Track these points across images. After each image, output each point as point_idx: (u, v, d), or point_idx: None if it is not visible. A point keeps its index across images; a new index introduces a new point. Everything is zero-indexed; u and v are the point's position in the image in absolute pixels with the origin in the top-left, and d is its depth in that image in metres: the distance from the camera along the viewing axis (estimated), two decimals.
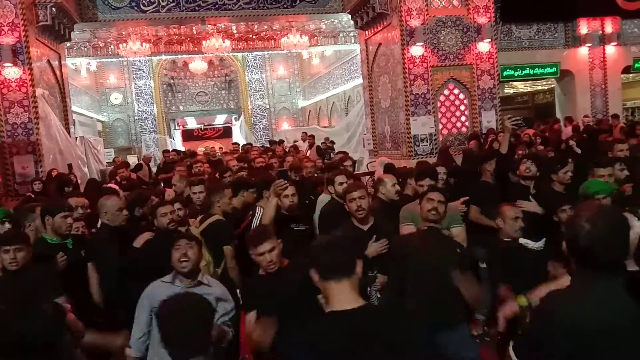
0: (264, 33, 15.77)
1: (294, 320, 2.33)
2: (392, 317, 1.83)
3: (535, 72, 12.88)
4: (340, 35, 16.07)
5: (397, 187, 4.48)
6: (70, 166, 9.80)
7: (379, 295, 3.57)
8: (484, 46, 10.55)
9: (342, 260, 1.85)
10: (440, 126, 10.56)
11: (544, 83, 15.59)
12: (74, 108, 12.66)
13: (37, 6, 9.40)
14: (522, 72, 12.88)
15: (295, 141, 14.32)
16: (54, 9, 9.52)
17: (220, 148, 15.58)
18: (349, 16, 12.09)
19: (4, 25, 8.84)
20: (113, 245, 3.86)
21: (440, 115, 10.55)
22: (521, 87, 17.04)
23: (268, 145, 15.33)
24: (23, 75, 8.99)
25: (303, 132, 15.31)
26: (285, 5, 11.63)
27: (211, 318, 1.92)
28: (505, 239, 3.51)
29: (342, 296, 1.81)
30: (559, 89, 13.73)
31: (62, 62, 11.06)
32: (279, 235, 3.08)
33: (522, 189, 4.59)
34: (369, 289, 3.57)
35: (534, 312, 1.72)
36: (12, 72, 8.93)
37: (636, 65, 13.20)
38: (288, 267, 2.96)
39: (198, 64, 19.86)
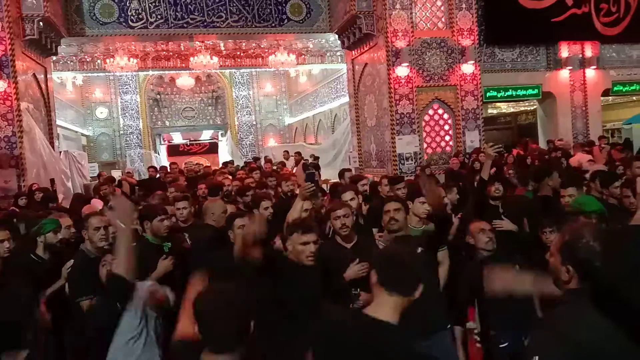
0: (252, 51, 15.90)
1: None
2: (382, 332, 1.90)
3: (517, 93, 13.14)
4: (327, 54, 16.28)
5: (427, 207, 4.54)
6: (52, 181, 9.69)
7: None
8: (467, 68, 10.77)
9: (409, 279, 1.95)
10: (425, 145, 10.70)
11: (527, 104, 15.90)
12: (58, 122, 12.57)
13: (24, 20, 9.38)
14: (505, 94, 13.13)
15: (286, 158, 14.28)
16: (41, 23, 9.51)
17: (198, 164, 15.37)
18: (336, 36, 12.26)
19: None
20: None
21: (424, 134, 10.70)
22: (504, 107, 17.37)
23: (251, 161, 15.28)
24: (8, 89, 8.95)
25: (285, 151, 15.28)
26: (273, 24, 11.76)
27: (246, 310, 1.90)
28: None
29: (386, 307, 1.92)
30: (541, 110, 14.01)
31: (48, 76, 11.01)
32: None
33: (494, 210, 4.69)
34: (352, 306, 3.58)
35: (537, 332, 1.74)
36: None
37: (615, 88, 13.55)
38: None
39: (185, 80, 19.86)
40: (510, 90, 13.03)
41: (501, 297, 2.93)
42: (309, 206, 4.21)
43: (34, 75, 10.18)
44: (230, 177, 8.80)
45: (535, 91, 13.11)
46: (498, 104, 16.14)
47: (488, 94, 12.60)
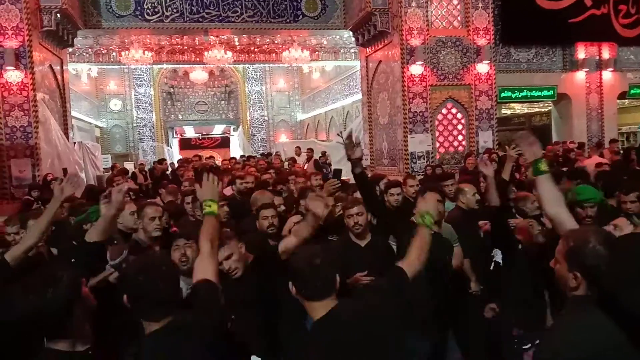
0: (266, 46, 15.90)
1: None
2: (363, 312, 1.94)
3: (532, 94, 13.03)
4: (341, 51, 16.23)
5: (477, 197, 4.53)
6: (65, 170, 9.78)
7: None
8: (482, 67, 10.69)
9: (325, 285, 1.94)
10: (437, 144, 10.65)
11: (541, 105, 15.76)
12: (73, 113, 12.68)
13: (42, 11, 9.46)
14: (519, 94, 13.03)
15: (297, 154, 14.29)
16: (58, 14, 9.59)
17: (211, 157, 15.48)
18: (351, 33, 12.23)
19: (8, 29, 8.90)
20: None
21: (437, 133, 10.65)
22: (518, 108, 17.22)
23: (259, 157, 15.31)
24: (24, 79, 9.03)
25: (297, 147, 15.31)
26: (288, 20, 11.76)
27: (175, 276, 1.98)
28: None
29: (321, 309, 1.92)
30: (556, 111, 13.88)
31: (64, 67, 11.10)
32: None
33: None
34: None
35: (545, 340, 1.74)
36: (14, 75, 8.96)
37: (632, 91, 13.38)
38: None
39: (199, 74, 19.98)
40: (525, 91, 12.92)
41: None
42: (332, 202, 4.21)
43: (50, 66, 10.27)
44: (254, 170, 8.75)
45: (551, 92, 12.99)
46: (512, 105, 16.01)
47: (502, 94, 12.51)
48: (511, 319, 3.53)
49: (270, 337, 3.10)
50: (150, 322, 1.86)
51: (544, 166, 2.53)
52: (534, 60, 12.81)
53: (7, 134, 8.99)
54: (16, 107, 9.03)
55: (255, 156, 14.67)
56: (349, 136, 3.38)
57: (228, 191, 6.11)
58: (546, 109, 15.61)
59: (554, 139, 13.74)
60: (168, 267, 1.94)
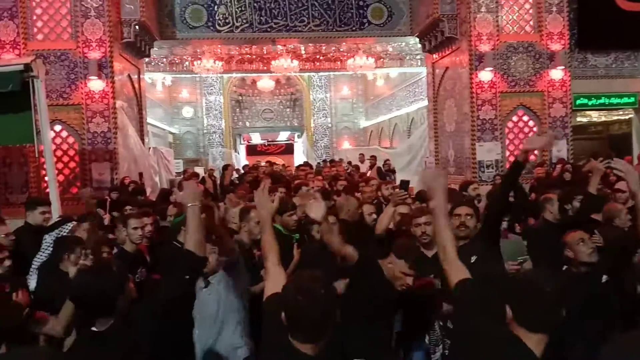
0: (331, 54, 16.05)
1: None
2: None
3: (611, 101, 12.33)
4: (407, 57, 16.08)
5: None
6: (141, 175, 10.31)
7: (441, 323, 3.44)
8: (556, 73, 10.25)
9: (549, 319, 1.82)
10: (507, 153, 10.30)
11: (621, 113, 14.85)
12: (148, 120, 13.34)
13: (122, 24, 10.07)
14: (596, 102, 12.36)
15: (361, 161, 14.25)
16: (137, 27, 10.16)
17: (284, 165, 15.84)
18: (417, 39, 12.11)
19: (92, 42, 9.52)
20: None
21: (507, 141, 10.30)
22: (595, 116, 16.30)
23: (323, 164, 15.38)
24: (106, 88, 9.60)
25: (360, 154, 15.31)
26: (354, 28, 11.82)
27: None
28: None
29: (539, 344, 1.80)
30: (637, 120, 13.05)
31: (141, 77, 11.72)
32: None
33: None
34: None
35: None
36: (97, 84, 9.56)
37: None
38: None
39: (266, 82, 20.46)
40: (602, 98, 12.24)
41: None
42: (403, 211, 4.20)
43: (129, 75, 10.88)
44: (320, 178, 8.84)
45: (632, 99, 12.24)
46: (588, 113, 15.18)
47: (578, 102, 11.91)
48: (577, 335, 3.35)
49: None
50: (303, 344, 1.82)
51: None
52: (614, 66, 12.10)
53: (89, 139, 9.59)
54: (97, 114, 9.61)
55: (331, 162, 14.73)
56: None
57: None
58: (626, 117, 14.69)
59: (635, 148, 12.91)
60: (326, 290, 1.85)
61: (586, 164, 8.61)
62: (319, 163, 16.44)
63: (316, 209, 2.80)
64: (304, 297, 1.75)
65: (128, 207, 5.59)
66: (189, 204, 2.58)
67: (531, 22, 10.27)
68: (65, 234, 4.06)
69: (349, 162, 13.70)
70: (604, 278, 3.26)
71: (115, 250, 4.12)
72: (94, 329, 2.13)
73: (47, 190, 6.53)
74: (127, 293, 2.26)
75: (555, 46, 10.22)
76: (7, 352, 1.54)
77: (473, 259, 3.11)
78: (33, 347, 1.52)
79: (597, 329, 3.09)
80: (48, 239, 4.03)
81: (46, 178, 6.78)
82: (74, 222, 4.25)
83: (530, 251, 4.13)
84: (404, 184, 4.20)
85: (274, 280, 2.19)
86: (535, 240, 4.15)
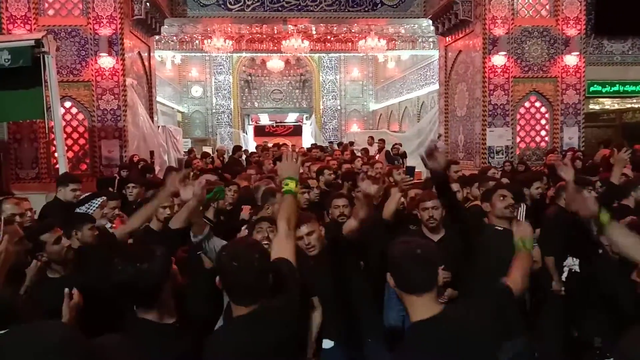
0: (342, 35, 15.88)
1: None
2: (468, 323, 1.85)
3: (626, 89, 12.15)
4: (419, 40, 15.88)
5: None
6: (152, 153, 10.33)
7: None
8: (571, 59, 10.09)
9: (426, 277, 1.85)
10: (518, 139, 10.21)
11: (635, 101, 14.63)
12: (157, 98, 13.32)
13: (133, 1, 9.98)
14: (610, 89, 12.18)
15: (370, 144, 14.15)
16: (148, 3, 10.07)
17: (294, 145, 15.81)
18: (430, 22, 11.94)
19: (103, 18, 9.47)
20: None
21: (518, 127, 10.21)
22: (608, 104, 16.07)
23: (336, 147, 15.31)
24: (116, 65, 9.57)
25: (369, 137, 15.20)
26: (366, 9, 11.66)
27: (268, 263, 2.01)
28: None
29: (423, 307, 1.84)
30: None
31: (151, 54, 11.66)
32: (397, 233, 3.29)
33: None
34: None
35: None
36: (107, 61, 9.53)
37: None
38: None
39: (276, 63, 20.32)
40: (617, 85, 12.07)
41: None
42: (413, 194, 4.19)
43: (139, 53, 10.82)
44: (335, 161, 8.76)
45: None
46: (601, 100, 14.97)
47: (591, 89, 11.76)
48: (593, 329, 3.34)
49: (343, 321, 3.14)
50: (238, 306, 1.92)
51: (606, 217, 2.26)
52: (630, 53, 11.90)
53: (98, 116, 9.59)
54: (107, 92, 9.60)
55: (339, 145, 14.65)
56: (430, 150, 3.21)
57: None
58: None
59: None
60: (261, 255, 1.96)
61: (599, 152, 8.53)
62: (327, 147, 16.34)
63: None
64: (238, 262, 1.87)
65: (131, 185, 5.61)
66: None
67: (547, 6, 10.08)
68: (94, 209, 4.07)
69: (363, 149, 13.49)
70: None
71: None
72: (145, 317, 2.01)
73: (57, 166, 6.57)
74: (172, 277, 2.11)
75: (571, 31, 10.04)
76: (20, 327, 1.52)
77: None
78: (48, 322, 1.48)
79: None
80: None
81: (56, 154, 6.81)
82: (104, 198, 4.27)
83: (543, 238, 4.11)
84: (410, 170, 4.17)
85: (280, 247, 2.26)
86: (550, 227, 4.12)
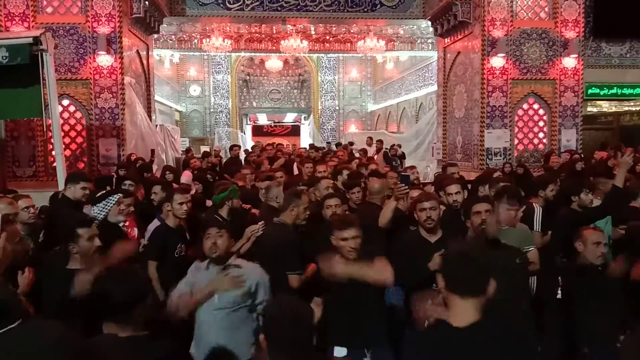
0: (341, 35, 15.89)
1: None
2: (503, 336, 1.84)
3: (623, 92, 12.17)
4: (418, 41, 15.90)
5: (591, 197, 4.44)
6: (153, 151, 10.32)
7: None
8: (569, 61, 10.11)
9: (476, 281, 1.85)
10: (516, 141, 10.22)
11: (632, 104, 14.67)
12: (155, 97, 13.29)
13: None
14: (608, 92, 12.20)
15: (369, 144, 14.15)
16: (146, 2, 10.05)
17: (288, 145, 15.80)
18: (429, 23, 11.94)
19: (101, 16, 9.44)
20: None
21: (516, 129, 10.22)
22: (606, 106, 16.11)
23: (334, 147, 15.29)
24: (114, 64, 9.54)
25: (368, 137, 15.20)
26: (365, 10, 11.66)
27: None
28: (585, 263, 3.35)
29: (464, 312, 1.83)
30: None
31: (150, 53, 11.63)
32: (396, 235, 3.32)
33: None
34: (431, 302, 3.51)
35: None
36: (105, 60, 9.49)
37: None
38: None
39: (274, 63, 20.32)
40: (615, 88, 12.09)
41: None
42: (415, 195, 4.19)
43: (138, 51, 10.80)
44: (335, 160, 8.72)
45: None
46: (599, 102, 15.01)
47: (589, 91, 11.77)
48: (583, 336, 3.34)
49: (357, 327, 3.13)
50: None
51: None
52: (628, 55, 11.92)
53: (96, 114, 9.55)
54: (105, 90, 9.56)
55: (337, 145, 14.62)
56: None
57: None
58: (638, 108, 14.52)
59: None
60: (308, 314, 2.02)
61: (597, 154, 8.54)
62: (324, 147, 16.31)
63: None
64: (287, 317, 1.88)
65: (127, 182, 5.61)
66: None
67: (546, 9, 10.10)
68: (111, 206, 4.07)
69: (362, 149, 13.46)
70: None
71: (158, 224, 4.23)
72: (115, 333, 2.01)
73: (54, 164, 6.54)
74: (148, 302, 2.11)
75: (570, 34, 10.06)
76: (18, 326, 1.52)
77: None
78: (45, 321, 1.49)
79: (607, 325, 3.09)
80: (96, 210, 4.09)
81: (53, 152, 6.79)
82: (120, 195, 4.27)
83: (554, 238, 4.14)
84: (405, 179, 4.16)
85: None
86: (560, 229, 4.15)
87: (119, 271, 2.08)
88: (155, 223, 4.35)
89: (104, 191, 4.45)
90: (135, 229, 4.64)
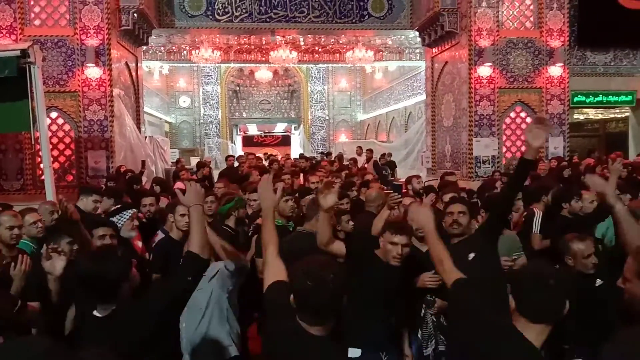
0: (330, 46, 16.01)
1: None
2: None
3: (609, 99, 12.37)
4: (406, 51, 16.06)
5: (596, 204, 4.47)
6: (143, 163, 10.27)
7: (434, 319, 3.51)
8: (555, 70, 10.25)
9: (551, 310, 1.81)
10: (504, 149, 10.32)
11: (618, 111, 14.90)
12: (145, 109, 13.25)
13: (121, 11, 9.97)
14: (594, 99, 12.39)
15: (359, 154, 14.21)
16: (135, 14, 10.06)
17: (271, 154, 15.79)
18: (417, 33, 12.07)
19: (90, 29, 9.44)
20: None
21: (504, 137, 10.32)
22: (592, 114, 16.35)
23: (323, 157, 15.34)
24: (103, 76, 9.53)
25: (358, 147, 15.26)
26: (354, 20, 11.77)
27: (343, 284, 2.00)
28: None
29: (533, 336, 1.79)
30: (634, 118, 13.09)
31: (139, 65, 11.63)
32: None
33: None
34: (423, 312, 3.53)
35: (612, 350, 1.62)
36: (94, 72, 9.48)
37: None
38: None
39: (264, 73, 20.41)
40: (600, 95, 12.28)
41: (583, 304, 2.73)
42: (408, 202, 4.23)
43: (126, 63, 10.79)
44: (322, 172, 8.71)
45: (629, 98, 12.28)
46: (585, 110, 15.23)
47: (575, 99, 11.95)
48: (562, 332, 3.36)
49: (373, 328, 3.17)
50: (308, 325, 1.91)
51: None
52: (612, 64, 12.12)
53: (85, 126, 9.52)
54: (94, 102, 9.54)
55: (327, 155, 14.65)
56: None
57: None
58: (623, 115, 14.75)
59: (631, 147, 12.97)
60: (336, 275, 1.92)
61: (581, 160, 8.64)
62: (315, 157, 16.36)
63: (329, 198, 2.89)
64: (313, 281, 1.81)
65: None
66: (192, 205, 2.54)
67: (532, 18, 10.25)
68: (124, 221, 4.04)
69: (352, 159, 13.52)
70: (598, 282, 3.27)
71: (162, 236, 4.21)
72: (95, 314, 2.14)
73: (42, 177, 6.49)
74: (131, 279, 2.28)
75: (555, 43, 10.22)
76: (4, 342, 1.52)
77: (471, 255, 3.11)
78: (32, 336, 1.50)
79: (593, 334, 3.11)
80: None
81: (41, 165, 6.74)
82: (134, 210, 4.24)
83: (554, 243, 4.20)
84: (397, 188, 4.23)
85: (274, 271, 2.23)
86: (551, 236, 4.21)
87: (100, 252, 2.28)
88: (160, 235, 4.30)
89: (119, 205, 4.46)
90: (140, 242, 4.61)
